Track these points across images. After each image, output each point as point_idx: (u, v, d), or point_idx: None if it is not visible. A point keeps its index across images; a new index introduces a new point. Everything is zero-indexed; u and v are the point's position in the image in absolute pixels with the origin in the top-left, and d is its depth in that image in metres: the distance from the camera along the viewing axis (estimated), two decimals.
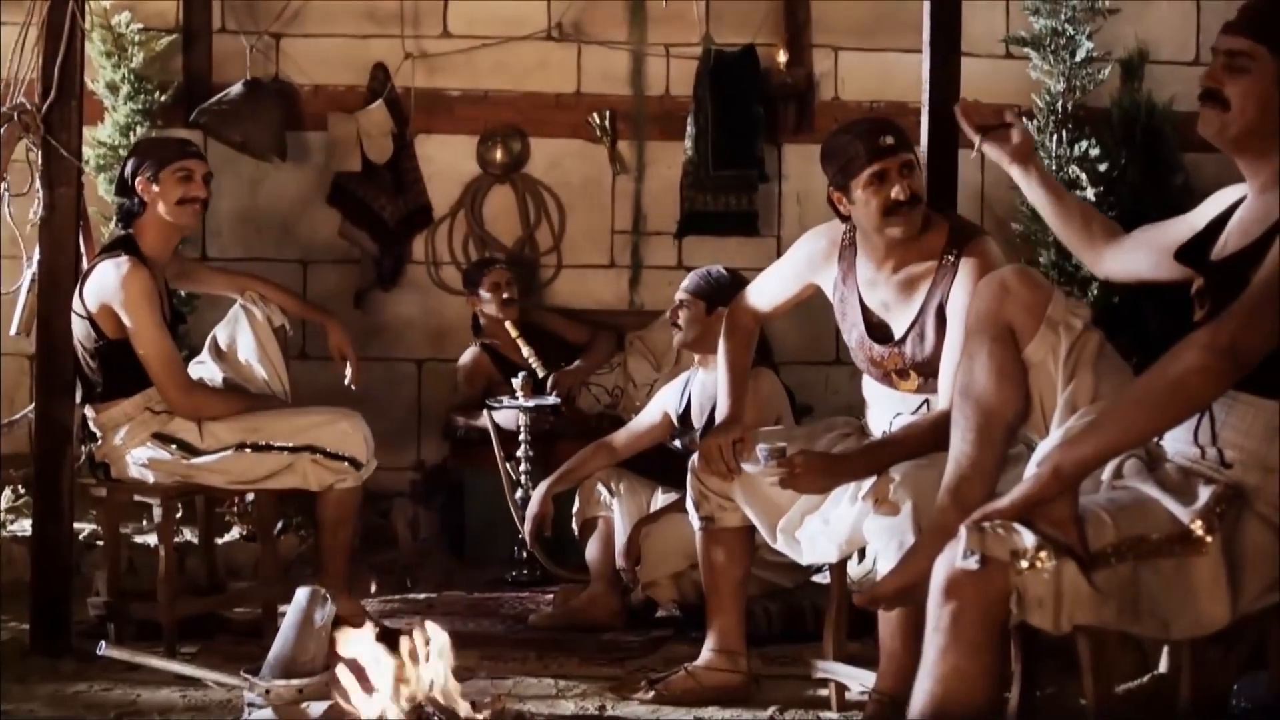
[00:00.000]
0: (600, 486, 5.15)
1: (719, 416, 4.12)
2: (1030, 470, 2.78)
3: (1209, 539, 2.70)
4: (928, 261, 3.75)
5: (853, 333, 3.93)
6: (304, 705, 3.61)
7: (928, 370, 3.77)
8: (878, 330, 3.86)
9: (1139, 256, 3.24)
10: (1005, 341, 3.03)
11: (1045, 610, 2.61)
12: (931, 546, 2.92)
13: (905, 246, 3.76)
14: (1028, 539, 2.61)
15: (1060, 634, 2.67)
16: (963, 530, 2.65)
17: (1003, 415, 3.03)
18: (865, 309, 3.88)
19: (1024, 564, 2.60)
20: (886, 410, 3.92)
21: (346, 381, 5.01)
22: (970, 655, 2.62)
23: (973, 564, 2.60)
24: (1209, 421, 2.82)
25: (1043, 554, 2.60)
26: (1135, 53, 6.75)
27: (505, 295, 6.37)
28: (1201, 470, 2.82)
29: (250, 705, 3.68)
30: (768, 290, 4.18)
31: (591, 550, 5.16)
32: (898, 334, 3.82)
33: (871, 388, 3.98)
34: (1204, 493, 2.75)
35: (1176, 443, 2.89)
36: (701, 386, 5.07)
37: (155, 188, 4.68)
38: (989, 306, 3.05)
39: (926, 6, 4.65)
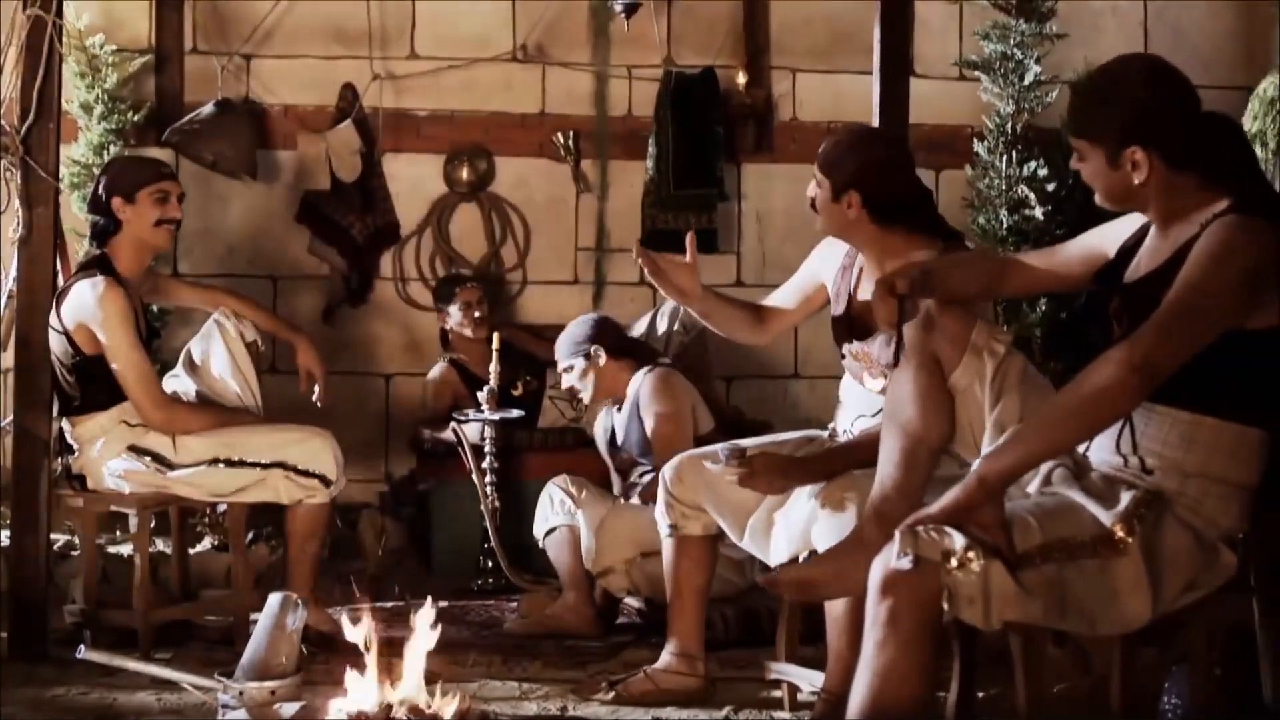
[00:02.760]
0: (563, 495, 5.22)
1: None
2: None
3: (1130, 540, 2.86)
4: None
5: (839, 325, 4.09)
6: (276, 707, 3.73)
7: (887, 371, 3.92)
8: (859, 325, 4.03)
9: (1039, 272, 3.38)
10: (931, 370, 3.20)
11: (975, 607, 2.76)
12: (844, 555, 3.14)
13: (894, 254, 3.90)
14: (958, 541, 2.77)
15: (991, 630, 2.83)
16: (897, 534, 2.82)
17: (927, 440, 3.21)
18: (851, 302, 4.03)
19: (954, 564, 2.76)
20: (852, 411, 4.07)
21: (315, 399, 5.09)
22: (905, 650, 2.77)
23: (906, 564, 2.75)
24: (1130, 432, 2.98)
25: (971, 555, 2.75)
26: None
27: (477, 314, 6.47)
28: (1124, 477, 2.98)
29: (224, 707, 3.78)
30: (779, 303, 4.33)
31: (560, 559, 5.22)
32: (869, 331, 3.98)
33: (845, 388, 4.13)
34: (1125, 497, 2.91)
35: (1101, 452, 3.05)
36: (620, 414, 5.34)
37: (131, 208, 4.77)
38: (915, 338, 3.23)
39: (877, 31, 4.82)
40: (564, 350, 5.43)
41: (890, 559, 2.78)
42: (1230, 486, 2.96)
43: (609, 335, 5.42)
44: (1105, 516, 2.88)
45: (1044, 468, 3.06)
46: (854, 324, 4.01)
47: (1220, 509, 2.96)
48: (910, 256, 3.77)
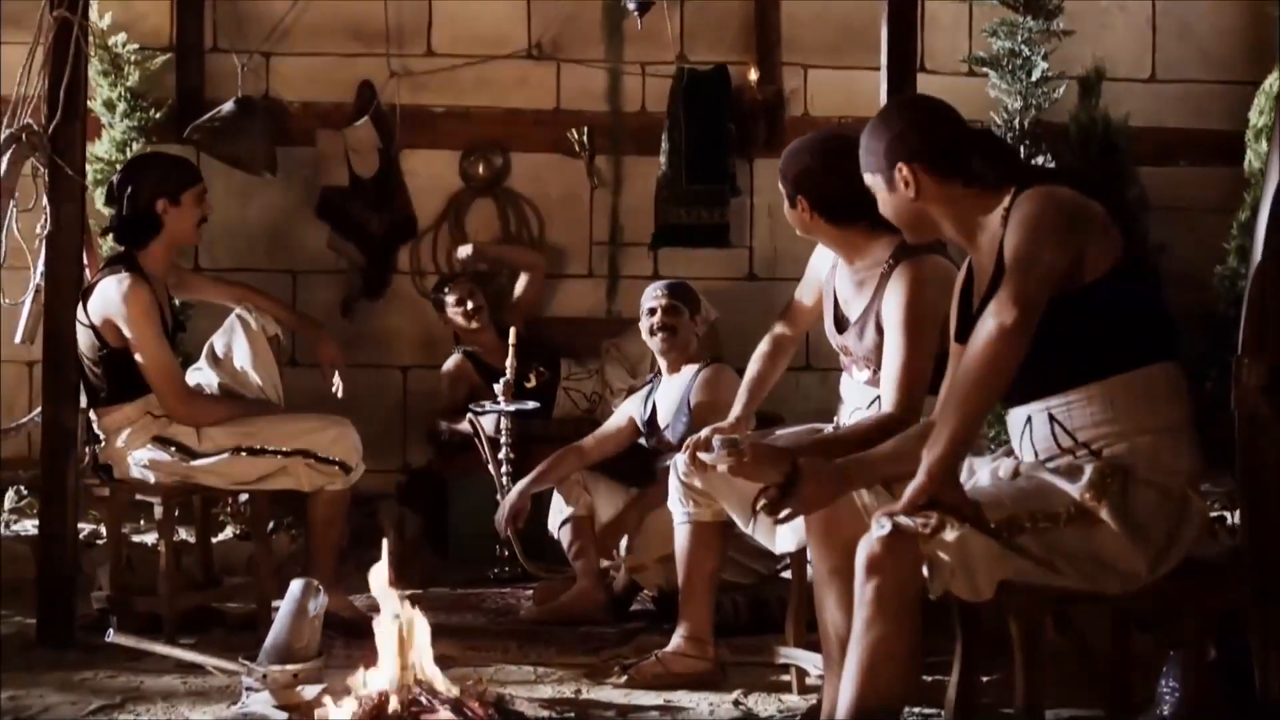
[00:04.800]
0: (580, 487, 5.33)
1: (731, 417, 4.33)
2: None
3: (1100, 508, 3.01)
4: (876, 268, 4.02)
5: (827, 319, 4.19)
6: (298, 689, 3.84)
7: (867, 364, 4.03)
8: (839, 319, 4.13)
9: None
10: None
11: (959, 578, 2.93)
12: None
13: (859, 250, 4.03)
14: (933, 517, 2.93)
15: (981, 599, 2.96)
16: (874, 517, 2.98)
17: None
18: (836, 298, 4.14)
19: (929, 531, 2.91)
20: (849, 405, 4.17)
21: (335, 390, 5.18)
22: (892, 624, 2.94)
23: (885, 529, 2.92)
24: (1059, 429, 3.14)
25: (946, 525, 2.91)
26: (1093, 70, 6.99)
27: (470, 305, 6.55)
28: (1083, 461, 3.12)
29: (248, 689, 3.90)
30: (796, 298, 4.42)
31: (576, 548, 5.30)
32: (848, 324, 4.08)
33: (843, 383, 4.23)
34: (1089, 469, 3.06)
35: (1053, 460, 3.18)
36: (665, 393, 5.35)
37: (175, 210, 4.86)
38: None
39: (885, 28, 4.90)
40: (683, 295, 5.47)
41: (872, 536, 2.94)
42: (1173, 432, 3.11)
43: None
44: (1073, 489, 3.04)
45: (1006, 466, 3.22)
46: (837, 320, 4.12)
47: (1174, 454, 3.11)
48: (871, 252, 4.00)
